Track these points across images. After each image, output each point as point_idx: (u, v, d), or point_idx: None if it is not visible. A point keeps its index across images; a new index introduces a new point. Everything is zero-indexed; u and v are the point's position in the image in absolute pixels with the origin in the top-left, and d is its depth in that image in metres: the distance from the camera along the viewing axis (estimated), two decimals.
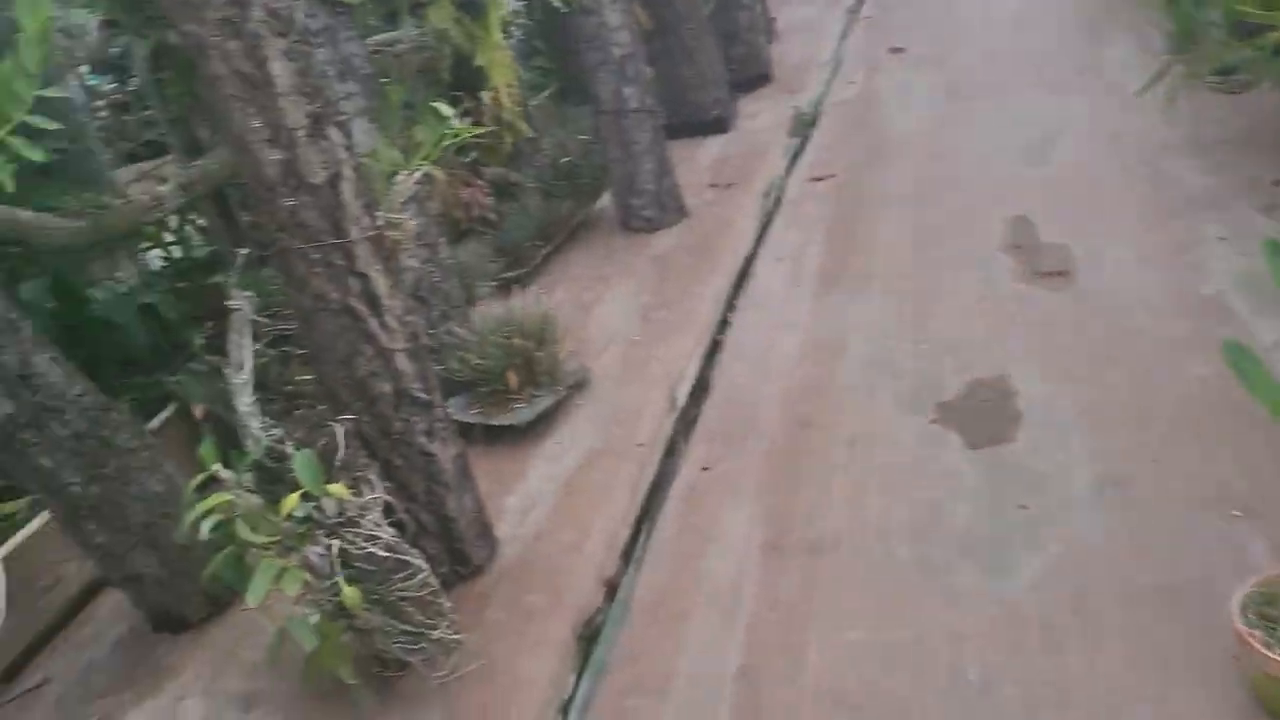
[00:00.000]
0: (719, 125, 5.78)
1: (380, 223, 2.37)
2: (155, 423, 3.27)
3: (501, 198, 4.56)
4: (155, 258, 4.36)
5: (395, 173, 2.41)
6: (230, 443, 2.32)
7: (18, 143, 1.72)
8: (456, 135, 2.37)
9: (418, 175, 2.38)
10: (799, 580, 2.44)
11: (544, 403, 3.27)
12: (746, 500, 2.79)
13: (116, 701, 2.55)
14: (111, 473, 2.57)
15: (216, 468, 2.31)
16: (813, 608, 2.35)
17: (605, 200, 4.93)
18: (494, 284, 4.18)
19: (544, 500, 2.94)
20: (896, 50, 6.82)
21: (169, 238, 4.26)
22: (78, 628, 2.90)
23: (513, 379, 3.23)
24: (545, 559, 2.70)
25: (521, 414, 3.21)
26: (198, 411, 3.28)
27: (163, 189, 3.35)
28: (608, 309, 4.07)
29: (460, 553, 2.63)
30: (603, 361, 3.63)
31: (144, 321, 3.45)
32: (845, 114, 5.91)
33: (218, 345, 3.63)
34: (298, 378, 3.41)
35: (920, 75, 6.22)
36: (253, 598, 2.04)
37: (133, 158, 5.33)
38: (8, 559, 2.77)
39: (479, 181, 4.42)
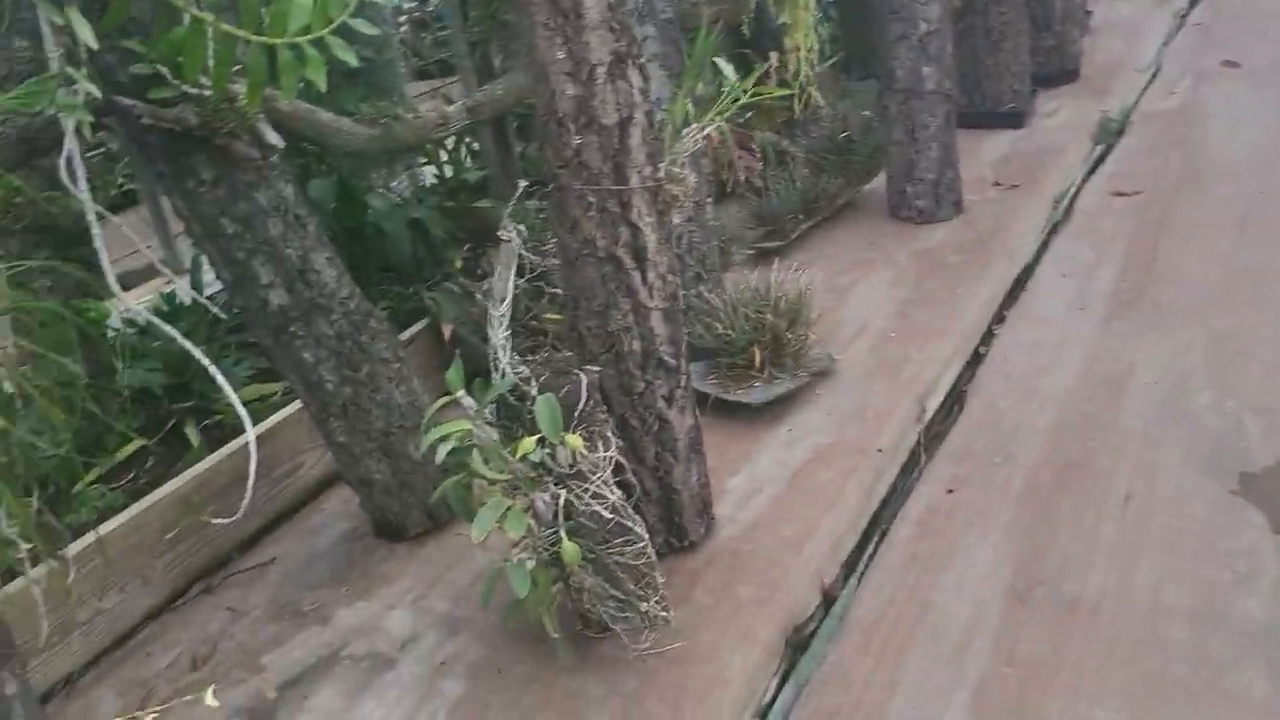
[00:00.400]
0: (1013, 120, 5.33)
1: (661, 175, 2.27)
2: (405, 335, 3.37)
3: (769, 165, 4.39)
4: (427, 174, 4.52)
5: (684, 125, 2.30)
6: (471, 368, 2.30)
7: (336, 43, 1.71)
8: (758, 94, 2.22)
9: (709, 130, 2.25)
10: (1045, 638, 2.18)
11: (784, 385, 3.11)
12: (993, 535, 2.53)
13: (331, 595, 2.64)
14: (363, 378, 2.64)
15: (460, 394, 2.31)
16: (1058, 674, 2.09)
17: (876, 183, 4.66)
18: (749, 252, 4.04)
19: (768, 488, 2.80)
20: (1230, 64, 6.06)
21: (443, 157, 4.39)
22: (307, 516, 3.03)
23: (757, 356, 3.09)
24: (761, 550, 2.56)
25: (759, 393, 3.07)
26: (445, 331, 3.34)
27: (450, 109, 3.41)
28: (862, 297, 3.84)
29: (678, 526, 2.53)
30: (850, 353, 3.42)
31: (411, 235, 3.54)
32: (1160, 126, 5.31)
33: (474, 268, 3.71)
34: (545, 317, 3.41)
35: (1256, 95, 5.49)
36: (477, 532, 2.01)
37: (422, 75, 5.54)
38: (258, 439, 2.92)
39: (751, 145, 4.27)
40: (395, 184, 4.25)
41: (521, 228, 2.30)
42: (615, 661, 2.24)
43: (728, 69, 2.51)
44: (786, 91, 2.12)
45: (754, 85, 2.42)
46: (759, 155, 4.24)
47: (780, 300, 3.13)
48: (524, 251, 2.30)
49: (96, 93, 1.80)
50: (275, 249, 2.46)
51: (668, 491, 2.50)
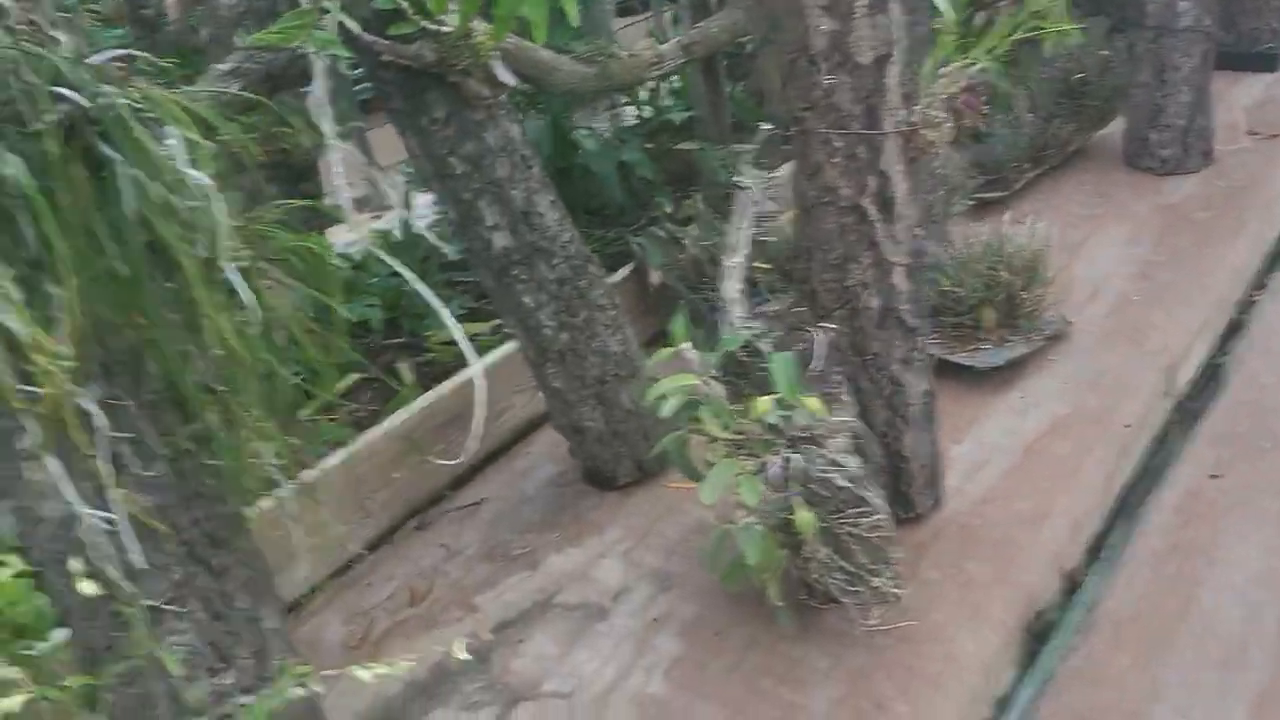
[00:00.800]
0: (1267, 62, 4.78)
1: (915, 119, 2.08)
2: (612, 279, 3.31)
3: (992, 108, 4.07)
4: (627, 115, 4.42)
5: (943, 64, 2.10)
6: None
7: None
8: (1038, 27, 2.00)
9: (973, 71, 2.04)
10: None
11: (1016, 349, 2.88)
12: (1266, 529, 2.27)
13: (541, 540, 2.64)
14: (580, 323, 2.59)
15: (685, 346, 2.22)
16: None
17: (1110, 129, 4.27)
18: (969, 203, 3.77)
19: (999, 459, 2.61)
20: None
21: (642, 96, 4.28)
22: (514, 458, 3.04)
23: (989, 316, 2.87)
24: (992, 526, 2.39)
25: (989, 356, 2.86)
26: (653, 277, 3.26)
27: (665, 47, 3.29)
28: (1097, 255, 3.53)
29: (905, 496, 2.39)
30: (1086, 316, 3.15)
31: (619, 177, 3.47)
32: None
33: (676, 212, 3.60)
34: (755, 265, 3.29)
35: None
36: (708, 493, 1.94)
37: (625, 11, 5.43)
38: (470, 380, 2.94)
39: (975, 87, 3.96)
40: (597, 124, 4.18)
41: (761, 174, 2.17)
42: (840, 634, 2.14)
43: (942, 3, 2.27)
44: (1065, 27, 1.89)
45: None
46: (984, 99, 3.93)
47: (1015, 256, 2.89)
48: (763, 200, 2.17)
49: (354, 26, 1.77)
50: (501, 190, 2.43)
51: (896, 460, 2.35)
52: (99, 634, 1.45)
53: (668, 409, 2.10)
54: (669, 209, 3.38)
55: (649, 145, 4.01)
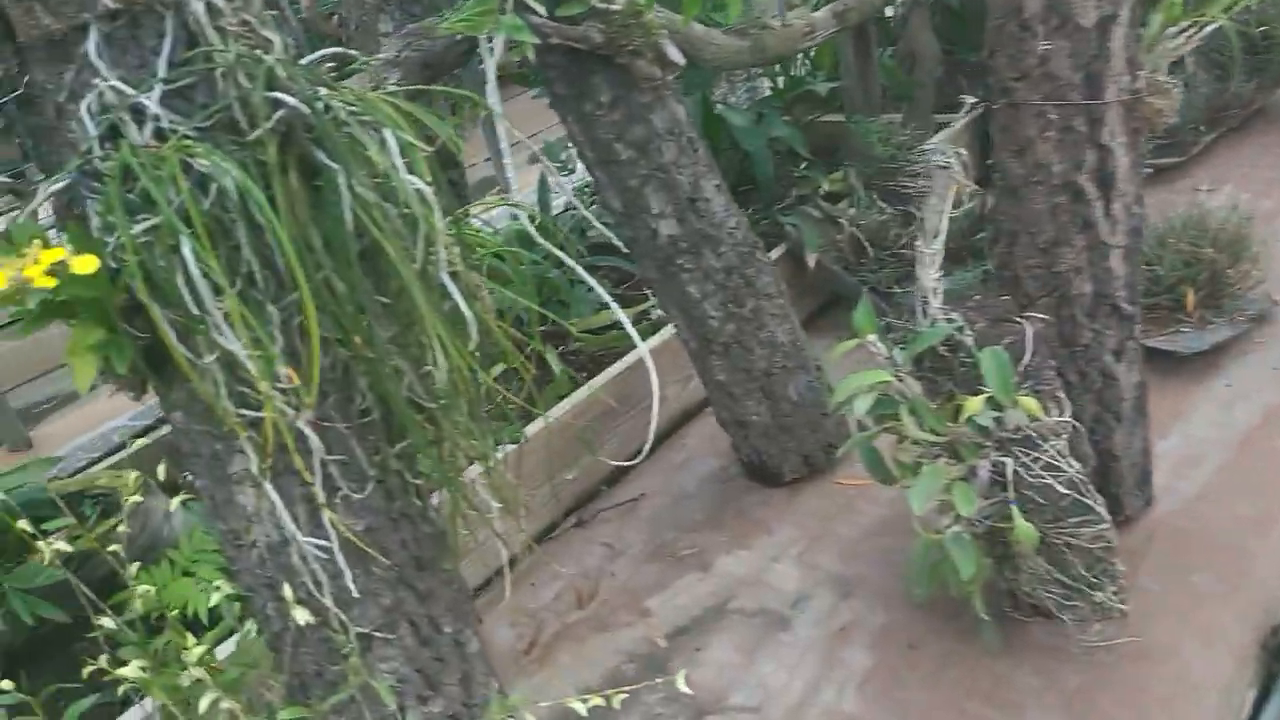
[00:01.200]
0: None
1: (1140, 86, 1.88)
2: None
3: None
4: (760, 87, 4.24)
5: (1171, 23, 1.89)
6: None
7: None
8: None
9: (1207, 31, 1.83)
10: None
11: (1219, 332, 2.64)
12: None
13: (708, 540, 2.53)
14: (747, 314, 2.46)
15: (871, 339, 2.07)
16: None
17: None
18: (1146, 170, 3.50)
19: (1211, 455, 2.39)
20: None
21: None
22: (669, 451, 2.93)
23: (1190, 296, 2.63)
24: (1212, 529, 2.19)
25: (1191, 340, 2.62)
26: (809, 260, 3.11)
27: (818, 15, 3.11)
28: None
29: (1114, 498, 2.18)
30: None
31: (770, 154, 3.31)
32: None
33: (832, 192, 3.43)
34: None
35: None
36: (917, 503, 1.79)
37: None
38: (621, 372, 2.84)
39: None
40: (734, 98, 4.02)
41: (962, 152, 2.00)
42: (1051, 651, 1.98)
43: None
44: None
45: None
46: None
47: (1219, 231, 2.64)
48: (964, 180, 2.00)
49: (540, 9, 1.67)
50: (668, 175, 2.31)
51: (1105, 459, 2.16)
52: (308, 661, 1.39)
53: (860, 408, 1.96)
54: (825, 186, 3.21)
55: (785, 119, 3.84)
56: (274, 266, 1.17)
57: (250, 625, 1.42)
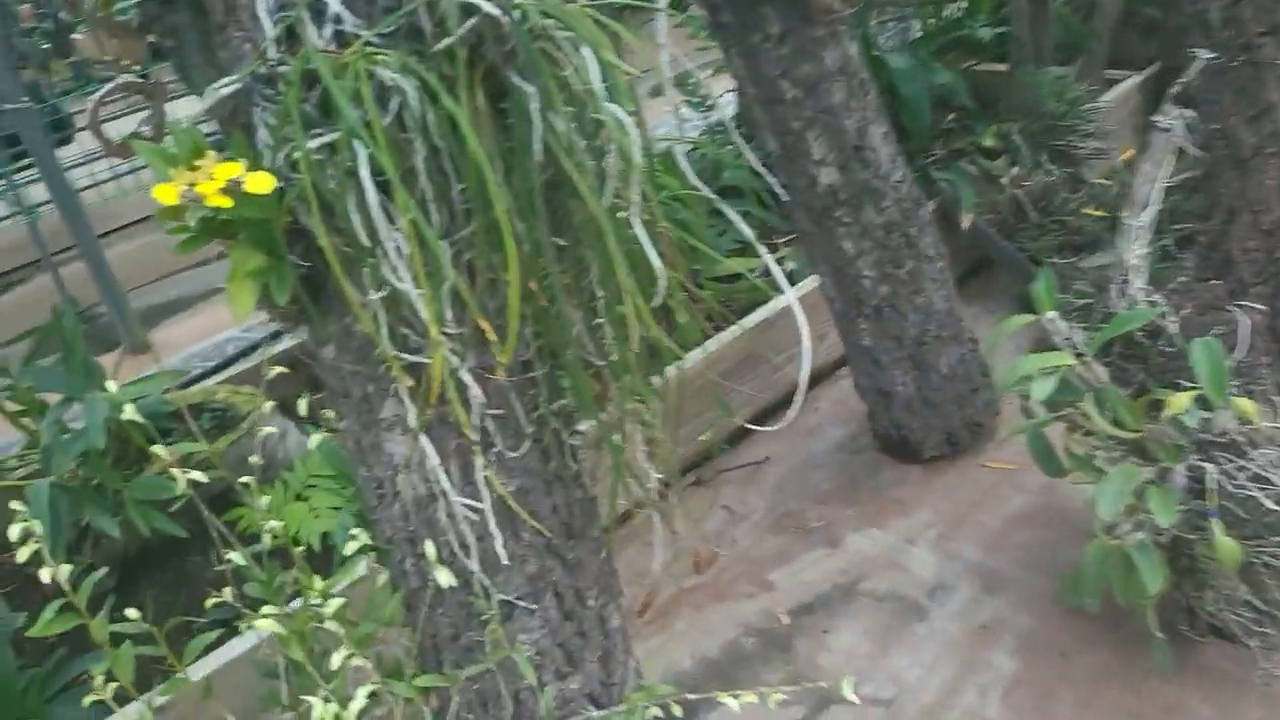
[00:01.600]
0: None
1: None
2: None
3: None
4: (911, 28, 3.95)
5: None
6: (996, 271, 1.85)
7: None
8: None
9: None
10: None
11: None
12: None
13: (836, 515, 2.38)
14: (904, 276, 2.27)
15: (1051, 316, 1.88)
16: None
17: None
18: None
19: None
20: None
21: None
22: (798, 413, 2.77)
23: None
24: None
25: None
26: (964, 220, 2.88)
27: None
28: None
29: None
30: None
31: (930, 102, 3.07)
32: None
33: (988, 147, 3.17)
34: (1082, 212, 2.85)
35: None
36: (1106, 506, 1.61)
37: None
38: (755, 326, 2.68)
39: None
40: (882, 38, 3.75)
41: (1189, 113, 1.76)
42: (1229, 678, 1.79)
43: None
44: None
45: None
46: None
47: None
48: (1189, 145, 1.77)
49: None
50: (834, 119, 2.12)
51: None
52: (444, 624, 1.30)
53: (1039, 392, 1.78)
54: (987, 141, 2.97)
55: (935, 64, 3.57)
56: (448, 197, 1.04)
57: (383, 577, 1.33)
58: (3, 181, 4.29)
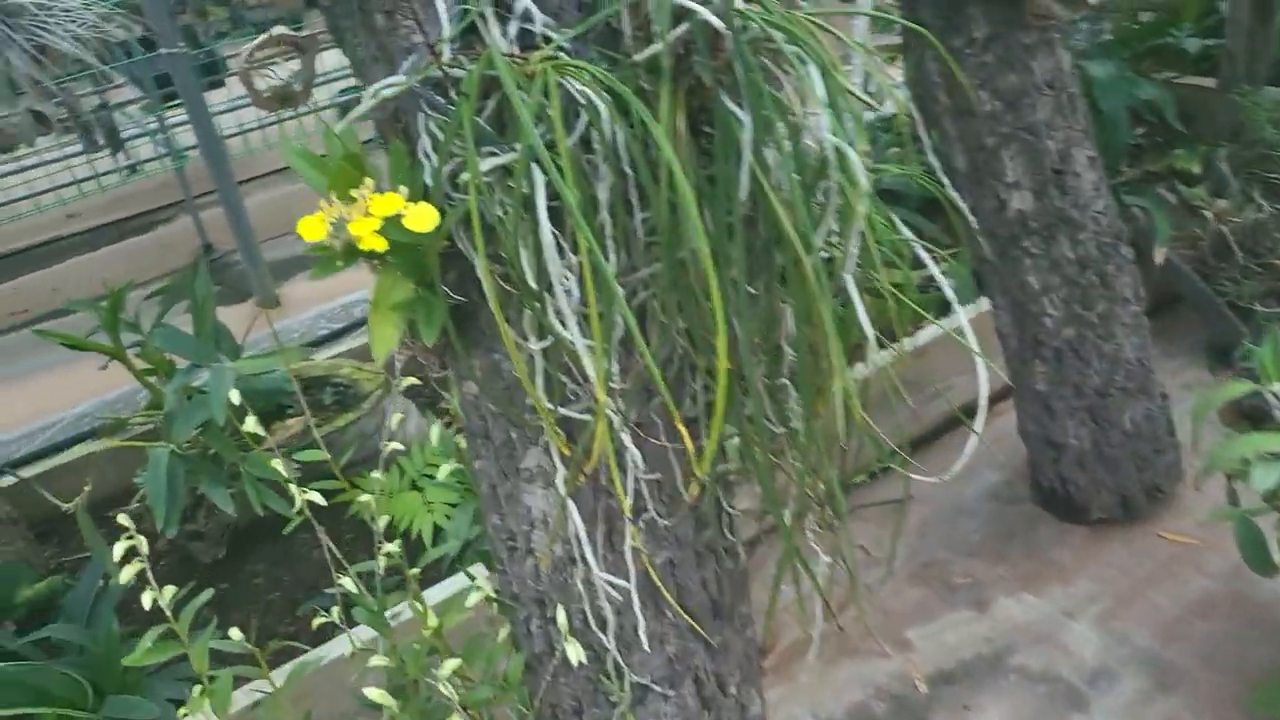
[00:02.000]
0: None
1: None
2: None
3: None
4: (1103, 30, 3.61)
5: None
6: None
7: None
8: None
9: None
10: None
11: None
12: None
13: (986, 573, 2.16)
14: (1094, 318, 2.02)
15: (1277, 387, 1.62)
16: None
17: None
18: None
19: None
20: None
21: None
22: (944, 451, 2.54)
23: None
24: None
25: None
26: (1157, 255, 2.59)
27: None
28: None
29: None
30: None
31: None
32: None
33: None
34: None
35: None
36: None
37: None
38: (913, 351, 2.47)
39: None
40: (1071, 41, 3.42)
41: None
42: None
43: None
44: None
45: None
46: None
47: None
48: None
49: None
50: (1035, 138, 1.88)
51: None
52: (567, 696, 1.15)
53: (1260, 482, 1.53)
54: (1190, 167, 2.66)
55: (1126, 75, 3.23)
56: (628, 233, 0.88)
57: (503, 631, 1.19)
58: (154, 122, 4.35)
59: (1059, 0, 1.72)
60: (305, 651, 1.51)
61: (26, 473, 2.45)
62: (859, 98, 0.85)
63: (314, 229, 0.70)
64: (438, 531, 2.25)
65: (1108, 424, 2.10)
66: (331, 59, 4.25)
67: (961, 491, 2.40)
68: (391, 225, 0.71)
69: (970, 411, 2.69)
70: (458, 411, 1.11)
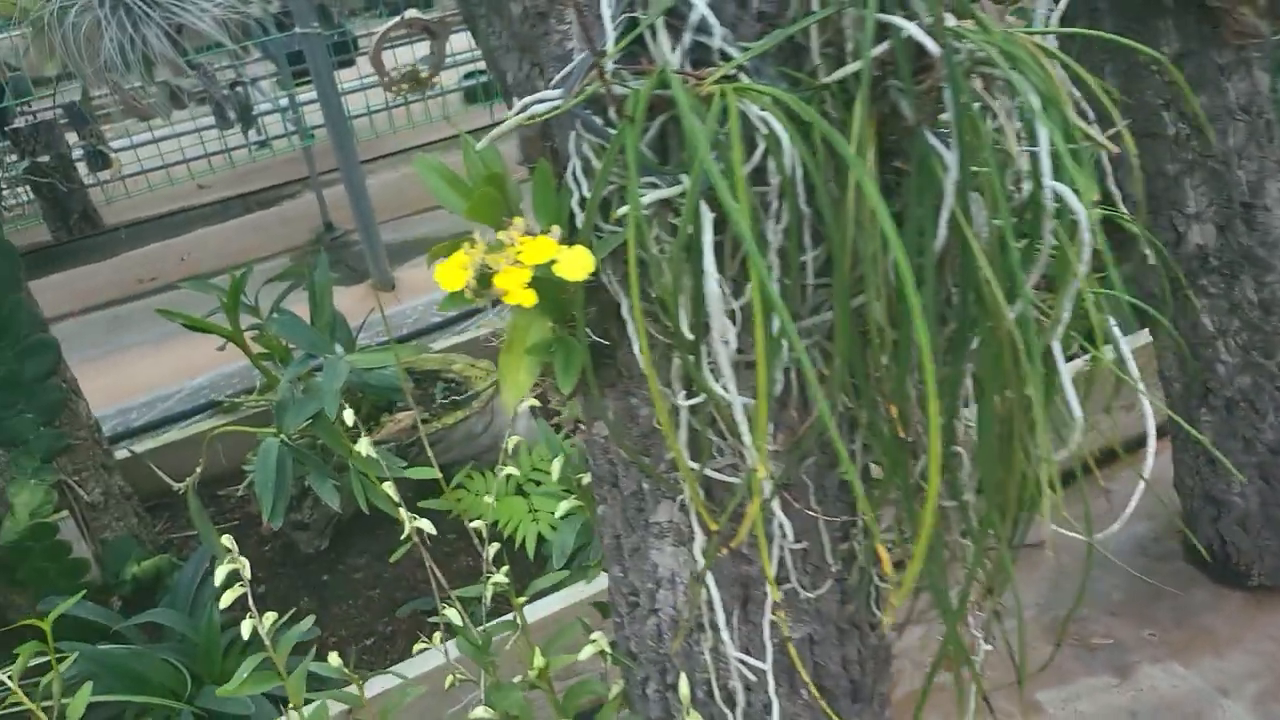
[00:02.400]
0: None
1: None
2: None
3: None
4: None
5: None
6: None
7: None
8: None
9: None
10: None
11: None
12: None
13: (1128, 635, 1.98)
14: (1275, 368, 1.82)
15: None
16: None
17: None
18: None
19: None
20: None
21: None
22: (1082, 492, 2.35)
23: None
24: None
25: None
26: None
27: None
28: None
29: None
30: None
31: None
32: None
33: None
34: None
35: None
36: None
37: None
38: None
39: None
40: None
41: None
42: None
43: None
44: None
45: None
46: None
47: None
48: None
49: None
50: (1225, 166, 1.69)
51: None
52: None
53: None
54: None
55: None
56: (799, 277, 0.77)
57: (616, 688, 1.10)
58: (285, 98, 4.40)
59: (1267, 16, 1.53)
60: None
61: (140, 448, 2.48)
62: (1090, 137, 0.72)
63: (452, 277, 0.61)
64: (541, 540, 2.19)
65: (1275, 483, 1.89)
66: (460, 40, 4.22)
67: (1104, 541, 2.21)
68: (543, 283, 0.62)
69: (1108, 456, 2.49)
70: (583, 449, 1.02)
